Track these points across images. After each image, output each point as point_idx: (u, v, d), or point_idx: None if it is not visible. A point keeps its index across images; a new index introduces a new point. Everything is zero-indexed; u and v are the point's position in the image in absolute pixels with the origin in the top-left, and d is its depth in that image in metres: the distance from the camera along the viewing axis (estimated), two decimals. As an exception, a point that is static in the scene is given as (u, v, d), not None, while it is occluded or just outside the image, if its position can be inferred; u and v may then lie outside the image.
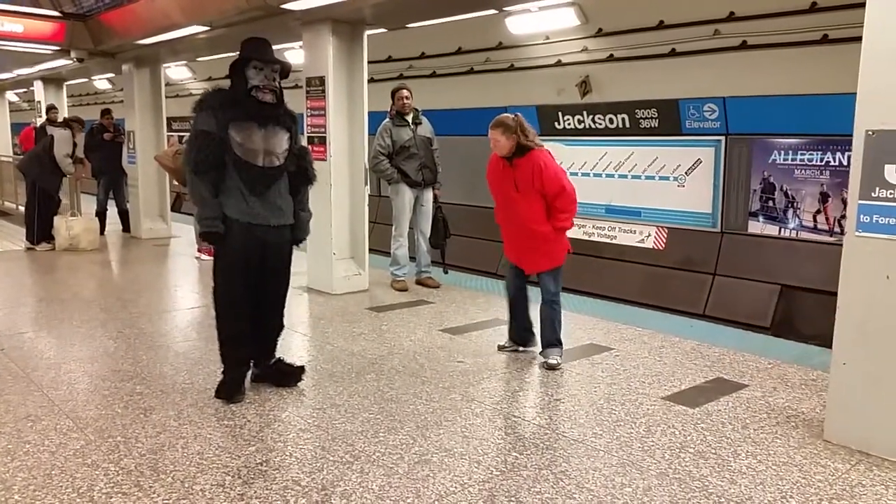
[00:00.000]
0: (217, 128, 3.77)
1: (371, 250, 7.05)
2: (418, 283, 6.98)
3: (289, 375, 4.22)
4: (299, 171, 4.08)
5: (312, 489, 2.99)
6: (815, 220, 7.56)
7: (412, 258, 7.08)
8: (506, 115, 4.48)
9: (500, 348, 4.91)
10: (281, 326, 4.27)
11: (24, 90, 17.39)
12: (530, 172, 4.38)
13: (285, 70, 3.99)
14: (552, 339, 4.61)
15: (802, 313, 7.50)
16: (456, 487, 3.00)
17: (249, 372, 4.18)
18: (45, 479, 3.06)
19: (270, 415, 3.80)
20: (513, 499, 2.91)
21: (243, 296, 3.97)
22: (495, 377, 4.39)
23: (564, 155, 9.95)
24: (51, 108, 11.55)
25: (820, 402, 3.91)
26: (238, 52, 3.97)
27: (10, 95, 19.72)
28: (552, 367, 4.50)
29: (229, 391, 3.98)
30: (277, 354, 4.31)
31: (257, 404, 3.92)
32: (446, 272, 7.19)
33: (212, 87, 4.05)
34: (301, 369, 4.27)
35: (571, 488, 3.00)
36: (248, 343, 4.08)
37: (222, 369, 4.06)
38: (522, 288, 4.77)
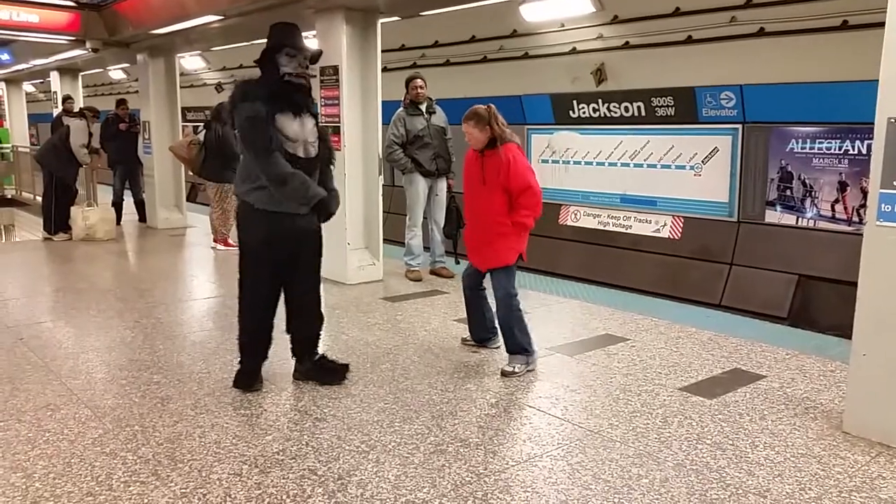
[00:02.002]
0: (266, 116, 3.68)
1: (385, 240, 7.05)
2: (432, 272, 6.97)
3: (332, 372, 4.12)
4: (327, 153, 4.02)
5: (329, 478, 2.99)
6: (833, 210, 7.48)
7: (426, 248, 7.07)
8: (478, 105, 4.32)
9: (464, 341, 4.81)
10: (321, 319, 4.16)
11: (41, 81, 17.48)
12: (498, 166, 4.18)
13: (314, 57, 3.92)
14: (515, 348, 4.30)
15: (820, 303, 7.44)
16: (471, 477, 3.00)
17: (292, 370, 4.17)
18: (65, 467, 3.09)
19: (287, 404, 3.82)
20: (529, 489, 2.91)
21: (271, 288, 3.92)
22: (510, 367, 4.38)
23: (579, 144, 9.91)
24: (66, 99, 11.61)
25: (839, 393, 3.88)
26: (266, 39, 3.85)
27: (27, 86, 19.85)
28: (506, 374, 4.21)
29: (247, 380, 3.98)
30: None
31: (274, 393, 3.94)
32: (458, 262, 7.16)
33: (240, 78, 3.90)
34: (345, 367, 4.18)
35: (588, 479, 2.99)
36: (269, 334, 4.00)
37: (239, 358, 4.04)
38: (476, 287, 4.56)
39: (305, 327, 4.09)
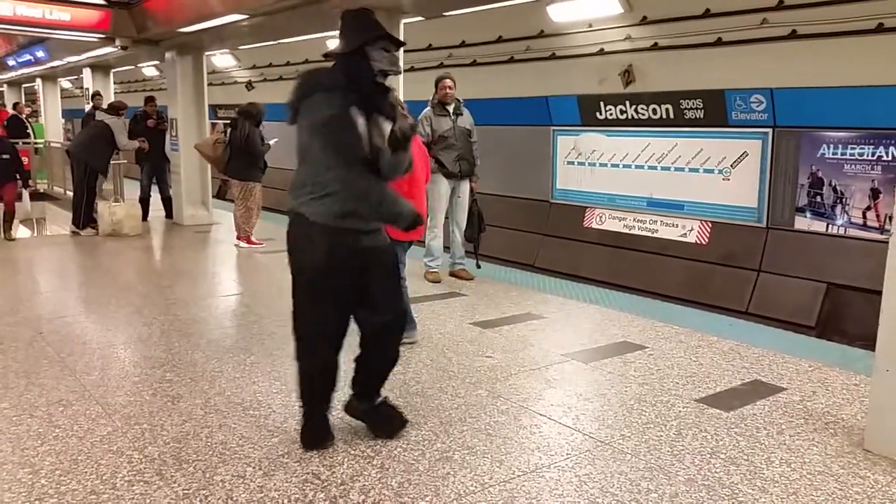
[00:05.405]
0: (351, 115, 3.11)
1: (406, 240, 7.00)
2: (452, 274, 6.91)
3: (388, 422, 3.45)
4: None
5: (331, 483, 2.96)
6: (864, 217, 7.30)
7: (446, 248, 7.02)
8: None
9: None
10: (396, 357, 3.44)
11: (76, 77, 17.80)
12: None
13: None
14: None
15: (849, 313, 7.27)
16: (476, 487, 2.95)
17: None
18: (72, 464, 3.10)
19: (295, 406, 3.75)
20: (533, 501, 2.85)
21: (335, 321, 3.23)
22: (524, 374, 4.31)
23: (605, 146, 9.81)
24: (95, 95, 11.80)
25: (861, 409, 3.75)
26: (342, 27, 3.27)
27: (64, 82, 20.23)
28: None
29: (315, 436, 3.32)
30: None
31: (283, 394, 3.91)
32: (479, 266, 7.11)
33: (309, 67, 3.39)
34: (403, 421, 3.48)
35: (595, 492, 2.92)
36: (335, 376, 3.31)
37: (303, 412, 3.34)
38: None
39: (374, 363, 3.42)
